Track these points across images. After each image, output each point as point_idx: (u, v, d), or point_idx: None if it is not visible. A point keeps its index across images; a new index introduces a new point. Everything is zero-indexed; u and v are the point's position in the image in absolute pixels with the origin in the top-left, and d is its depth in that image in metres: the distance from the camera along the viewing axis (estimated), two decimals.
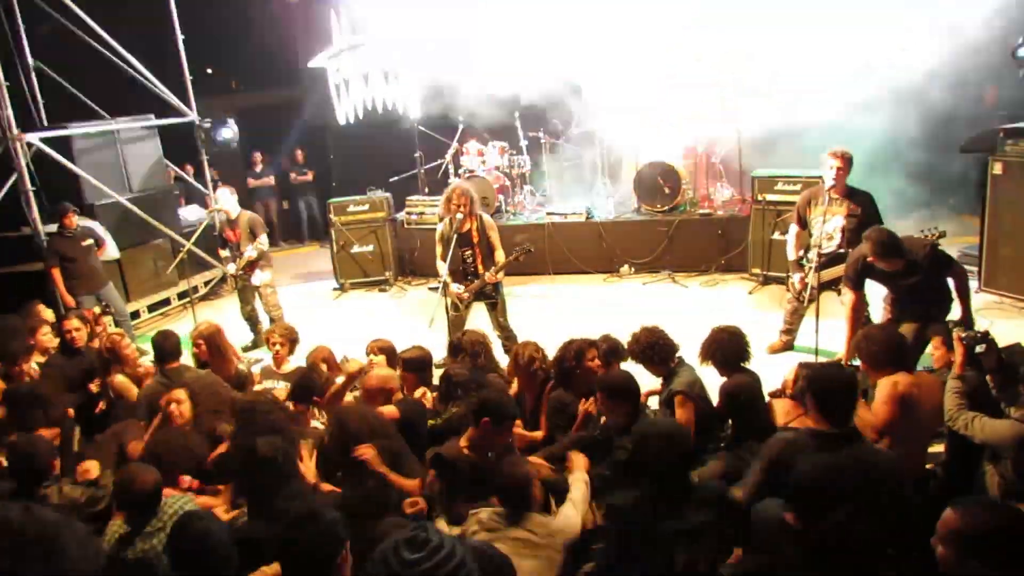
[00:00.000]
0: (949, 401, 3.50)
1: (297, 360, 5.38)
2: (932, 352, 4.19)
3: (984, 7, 7.73)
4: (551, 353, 4.54)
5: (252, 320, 7.78)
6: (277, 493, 3.07)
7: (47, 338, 5.84)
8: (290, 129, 13.39)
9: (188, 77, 10.14)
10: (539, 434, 4.32)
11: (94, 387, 5.28)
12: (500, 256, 6.22)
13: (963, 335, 3.55)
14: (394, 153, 10.99)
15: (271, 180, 13.29)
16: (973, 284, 5.07)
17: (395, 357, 4.86)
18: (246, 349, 7.48)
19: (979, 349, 3.47)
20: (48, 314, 6.35)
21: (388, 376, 4.20)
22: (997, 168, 6.90)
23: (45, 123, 9.61)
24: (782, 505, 2.67)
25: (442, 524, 3.20)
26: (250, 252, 7.36)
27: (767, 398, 4.10)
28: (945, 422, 3.53)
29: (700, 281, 8.70)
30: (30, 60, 9.76)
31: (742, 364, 4.12)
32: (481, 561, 2.24)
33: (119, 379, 5.11)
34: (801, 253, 6.00)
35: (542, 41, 9.42)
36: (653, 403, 4.41)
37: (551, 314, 7.85)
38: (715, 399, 4.17)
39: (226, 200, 7.44)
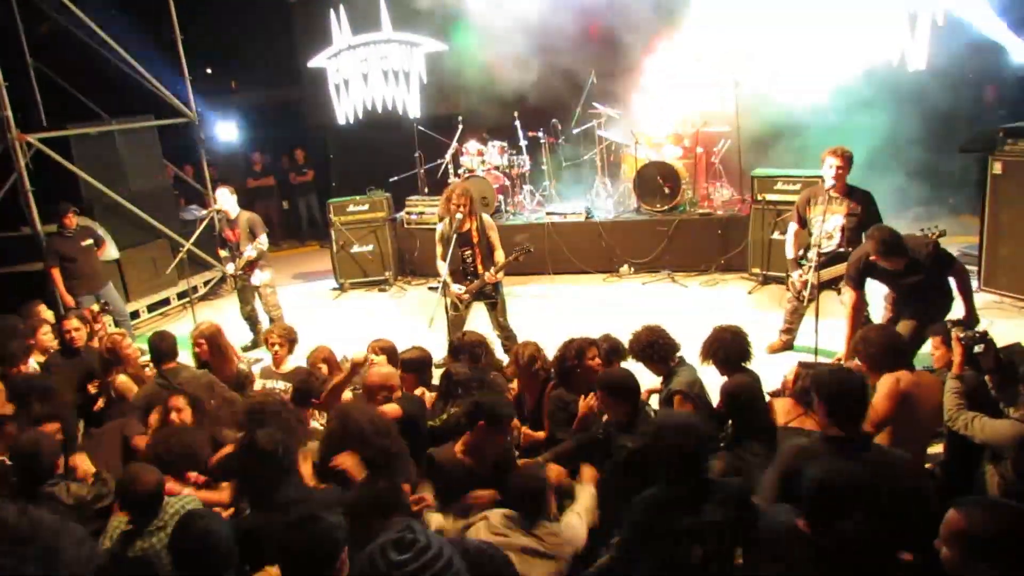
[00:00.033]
0: (948, 401, 3.50)
1: (296, 360, 5.37)
2: (932, 352, 4.19)
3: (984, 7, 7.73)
4: (551, 353, 4.55)
5: (252, 320, 7.78)
6: (277, 487, 3.07)
7: (47, 338, 5.84)
8: (290, 129, 13.39)
9: (188, 77, 10.14)
10: (541, 434, 4.33)
11: (92, 388, 5.27)
12: (500, 256, 6.22)
13: (961, 335, 3.56)
14: (394, 153, 10.98)
15: (271, 180, 13.30)
16: (973, 284, 5.07)
17: (396, 357, 4.86)
18: (246, 349, 7.48)
19: (977, 349, 3.47)
20: (48, 314, 6.35)
21: (389, 374, 4.20)
22: (997, 168, 6.89)
23: (45, 123, 9.62)
24: (793, 511, 2.65)
25: (438, 518, 3.19)
26: (249, 252, 7.36)
27: (767, 398, 4.10)
28: (945, 422, 3.54)
29: (700, 281, 8.70)
30: (30, 60, 9.77)
31: (743, 364, 4.13)
32: (482, 560, 2.24)
33: (121, 379, 5.11)
34: (800, 252, 6.01)
35: (542, 40, 9.45)
36: (653, 402, 4.41)
37: (551, 314, 7.85)
38: (715, 399, 4.17)
39: (225, 200, 7.43)
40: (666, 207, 9.12)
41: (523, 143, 10.09)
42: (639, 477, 3.12)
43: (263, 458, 3.08)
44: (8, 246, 8.34)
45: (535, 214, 9.75)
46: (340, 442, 3.38)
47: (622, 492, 3.35)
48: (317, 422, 4.56)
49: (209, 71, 12.95)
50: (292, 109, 13.23)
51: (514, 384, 4.76)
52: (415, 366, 4.71)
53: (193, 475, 3.65)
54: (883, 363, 3.78)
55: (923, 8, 9.02)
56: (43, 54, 9.91)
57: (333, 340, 5.73)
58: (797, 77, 9.24)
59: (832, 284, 5.82)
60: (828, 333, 5.36)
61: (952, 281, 4.80)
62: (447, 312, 6.30)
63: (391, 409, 3.86)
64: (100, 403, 5.20)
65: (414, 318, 7.28)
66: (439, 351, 5.65)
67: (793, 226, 6.11)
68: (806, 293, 5.71)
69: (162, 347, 5.04)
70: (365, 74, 11.98)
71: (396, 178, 10.51)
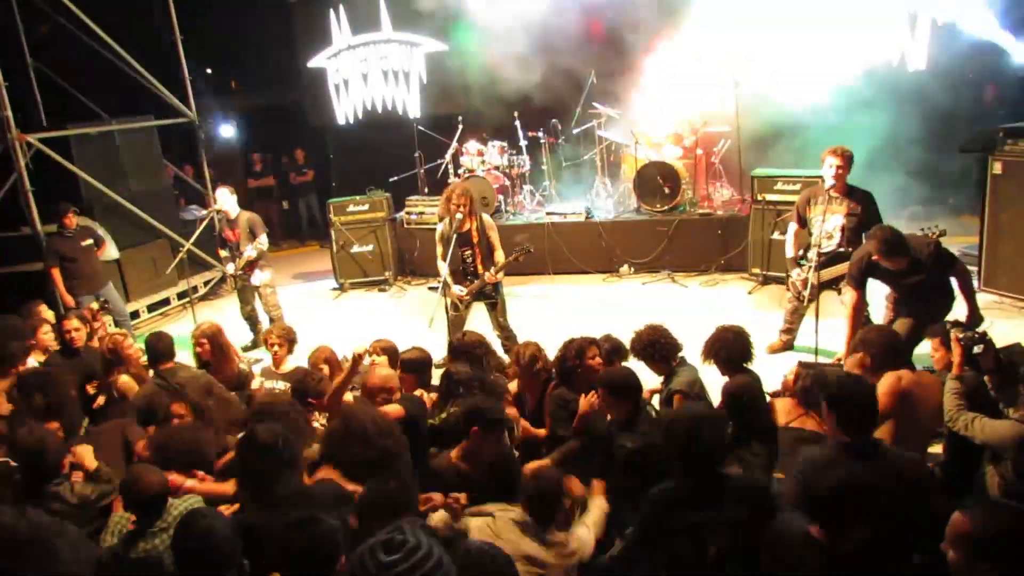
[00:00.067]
0: (948, 402, 3.50)
1: (296, 360, 5.37)
2: (932, 355, 4.19)
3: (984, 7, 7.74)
4: (552, 353, 4.55)
5: (252, 320, 7.78)
6: (276, 480, 3.05)
7: (48, 338, 5.83)
8: (290, 129, 13.39)
9: (188, 77, 10.13)
10: (542, 432, 4.33)
11: (91, 388, 5.27)
12: (500, 256, 6.22)
13: (961, 336, 3.56)
14: (394, 153, 10.98)
15: (271, 180, 13.30)
16: (973, 284, 5.07)
17: (397, 357, 4.86)
18: (246, 349, 7.48)
19: (977, 349, 3.47)
20: (49, 314, 6.34)
21: (389, 375, 4.19)
22: (997, 168, 6.89)
23: (45, 123, 9.61)
24: (804, 518, 2.63)
25: (439, 516, 3.19)
26: (249, 252, 7.36)
27: (767, 398, 4.10)
28: (945, 423, 3.54)
29: (700, 281, 8.70)
30: (30, 60, 9.77)
31: (744, 364, 4.13)
32: (483, 561, 2.24)
33: (123, 379, 5.10)
34: (800, 252, 6.01)
35: (542, 40, 9.45)
36: (655, 402, 4.41)
37: (551, 314, 7.85)
38: (716, 399, 4.17)
39: (225, 200, 7.43)
40: (666, 207, 9.12)
41: (523, 143, 10.09)
42: (639, 477, 3.12)
43: (262, 451, 3.07)
44: (8, 246, 8.34)
45: (535, 214, 9.75)
46: (342, 442, 3.37)
47: (622, 492, 3.35)
48: (317, 422, 4.56)
49: (209, 71, 12.95)
50: (292, 109, 13.21)
51: (515, 384, 4.76)
52: (415, 367, 4.71)
53: (200, 474, 3.65)
54: (882, 364, 3.79)
55: (923, 8, 9.02)
56: (43, 54, 9.90)
57: (333, 340, 5.72)
58: (797, 77, 9.24)
59: (832, 284, 5.82)
60: (828, 333, 5.36)
61: (954, 281, 4.81)
62: (447, 312, 6.30)
63: (394, 409, 3.86)
64: (100, 401, 5.19)
65: (414, 318, 7.28)
66: (439, 351, 5.65)
67: (793, 226, 6.11)
68: (806, 293, 5.71)
69: (159, 347, 5.04)
70: (365, 74, 11.98)
71: (396, 178, 10.52)
